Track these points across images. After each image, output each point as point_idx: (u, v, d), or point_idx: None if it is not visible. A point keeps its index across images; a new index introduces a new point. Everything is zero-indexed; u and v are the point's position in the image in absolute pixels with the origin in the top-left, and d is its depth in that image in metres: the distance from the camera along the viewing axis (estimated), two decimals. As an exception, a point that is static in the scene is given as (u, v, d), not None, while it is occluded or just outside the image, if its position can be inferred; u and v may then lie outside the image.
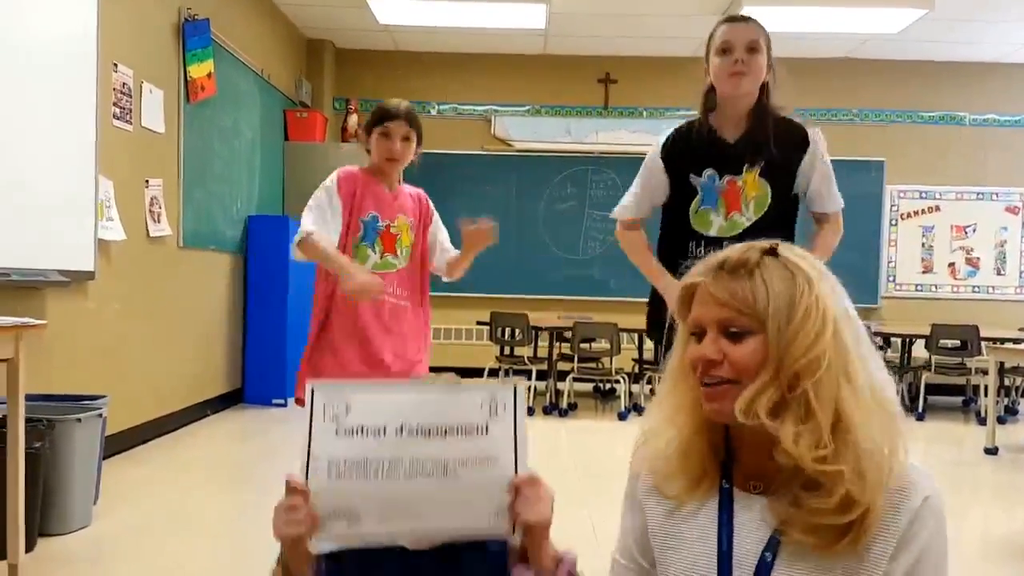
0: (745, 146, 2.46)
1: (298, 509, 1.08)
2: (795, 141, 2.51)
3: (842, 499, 1.05)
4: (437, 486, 1.12)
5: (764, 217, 2.47)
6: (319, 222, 2.77)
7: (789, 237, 2.40)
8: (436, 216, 3.04)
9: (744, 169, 2.46)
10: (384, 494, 1.11)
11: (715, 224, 2.49)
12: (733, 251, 1.17)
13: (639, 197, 2.65)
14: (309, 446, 1.11)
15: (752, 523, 1.15)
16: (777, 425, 1.08)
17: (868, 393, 1.11)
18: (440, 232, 3.03)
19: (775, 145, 2.45)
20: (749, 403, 1.09)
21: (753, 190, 2.47)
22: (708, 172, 2.48)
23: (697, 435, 1.20)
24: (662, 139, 2.60)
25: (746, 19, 2.49)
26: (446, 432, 1.13)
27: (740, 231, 2.45)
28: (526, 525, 1.12)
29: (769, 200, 2.47)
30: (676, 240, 2.55)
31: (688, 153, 2.51)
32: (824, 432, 1.06)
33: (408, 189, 2.99)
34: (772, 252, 1.15)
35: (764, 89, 2.49)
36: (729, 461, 1.21)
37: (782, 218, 2.49)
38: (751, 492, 1.18)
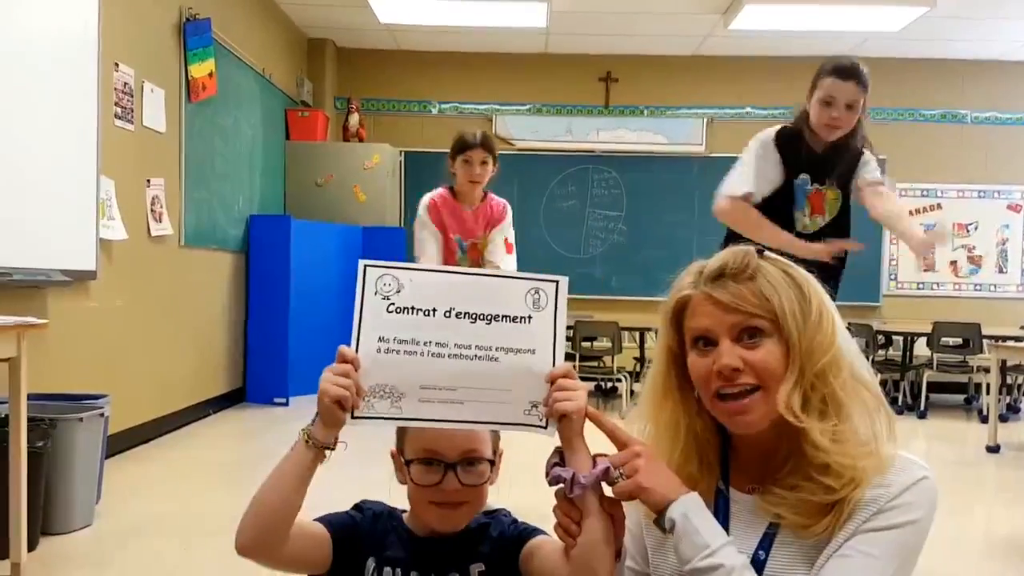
0: (828, 161, 2.90)
1: (348, 375, 1.10)
2: (856, 157, 2.96)
3: (846, 482, 1.06)
4: (479, 370, 1.14)
5: (835, 218, 2.96)
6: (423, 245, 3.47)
7: (848, 232, 2.97)
8: (504, 223, 3.55)
9: (827, 181, 2.92)
10: (428, 374, 1.14)
11: (800, 221, 2.92)
12: (728, 258, 1.15)
13: (756, 175, 2.89)
14: (361, 321, 1.13)
15: (747, 523, 1.15)
16: (811, 423, 1.08)
17: (862, 386, 1.13)
18: (498, 236, 3.54)
19: (848, 166, 2.93)
20: (788, 399, 1.08)
21: (832, 194, 2.95)
22: (804, 177, 2.91)
23: (685, 459, 1.18)
24: (771, 132, 2.93)
25: (854, 75, 2.79)
26: (492, 319, 1.15)
27: (817, 229, 2.92)
28: (563, 415, 1.12)
29: (839, 204, 2.96)
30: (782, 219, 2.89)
31: (793, 153, 2.89)
32: (846, 427, 1.09)
33: (493, 201, 3.56)
34: (759, 252, 1.16)
35: (858, 126, 2.90)
36: (726, 469, 1.20)
37: (844, 217, 2.98)
38: (745, 493, 1.18)
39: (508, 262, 3.56)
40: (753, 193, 2.88)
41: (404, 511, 1.31)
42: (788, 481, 1.11)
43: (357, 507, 1.30)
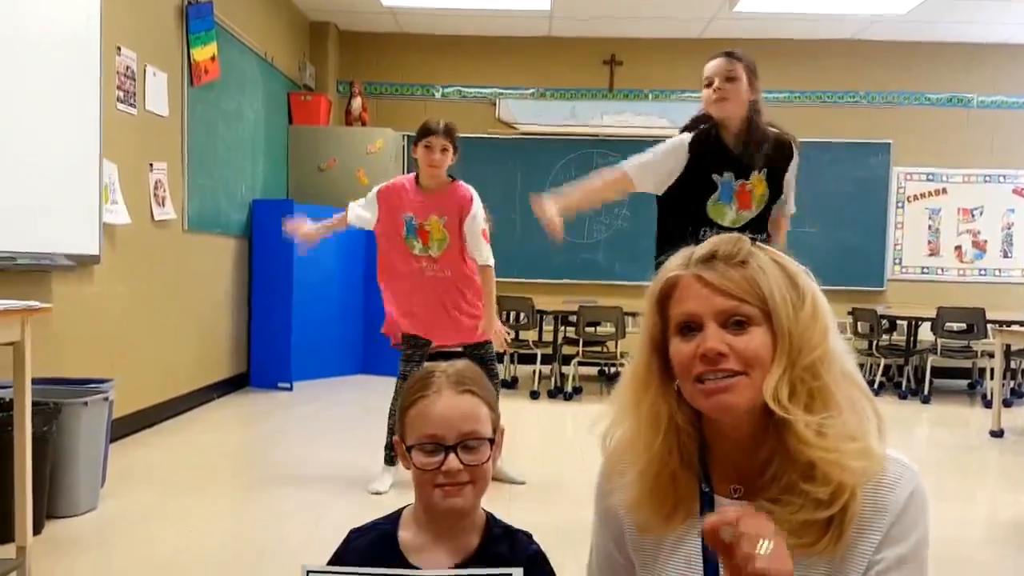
0: (747, 156, 2.96)
1: None
2: (786, 154, 3.02)
3: (834, 488, 1.04)
4: None
5: (762, 211, 3.00)
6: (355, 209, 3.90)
7: (765, 227, 3.02)
8: (472, 213, 3.72)
9: (751, 175, 2.96)
10: None
11: (728, 216, 2.98)
12: (719, 243, 1.13)
13: (648, 168, 3.05)
14: None
15: None
16: (796, 415, 1.05)
17: (852, 385, 1.12)
18: (474, 227, 3.72)
19: (772, 154, 2.97)
20: (775, 389, 1.06)
21: (759, 189, 2.99)
22: (728, 174, 2.96)
23: (668, 451, 1.15)
24: (688, 135, 3.02)
25: (725, 53, 2.96)
26: None
27: (744, 223, 2.96)
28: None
29: (767, 198, 3.00)
30: (686, 225, 2.95)
31: (708, 155, 2.96)
32: (835, 422, 1.06)
33: (460, 189, 3.75)
34: (752, 239, 1.14)
35: (753, 107, 2.95)
36: (705, 466, 1.17)
37: (767, 212, 3.04)
38: (731, 497, 1.14)
39: (485, 250, 3.77)
40: (629, 176, 3.06)
41: (403, 510, 1.29)
42: (773, 491, 1.08)
43: (346, 541, 1.29)
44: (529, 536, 1.30)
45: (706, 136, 2.99)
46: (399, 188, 3.79)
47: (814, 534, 1.05)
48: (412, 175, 3.83)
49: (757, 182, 2.97)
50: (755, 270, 1.10)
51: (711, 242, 1.14)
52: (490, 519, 1.29)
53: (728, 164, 2.96)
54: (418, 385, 1.25)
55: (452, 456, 1.19)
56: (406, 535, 1.26)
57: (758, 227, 2.98)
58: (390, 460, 3.73)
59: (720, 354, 1.07)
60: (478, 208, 3.75)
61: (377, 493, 3.63)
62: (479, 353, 3.80)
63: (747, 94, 2.92)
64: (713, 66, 2.94)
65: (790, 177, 3.04)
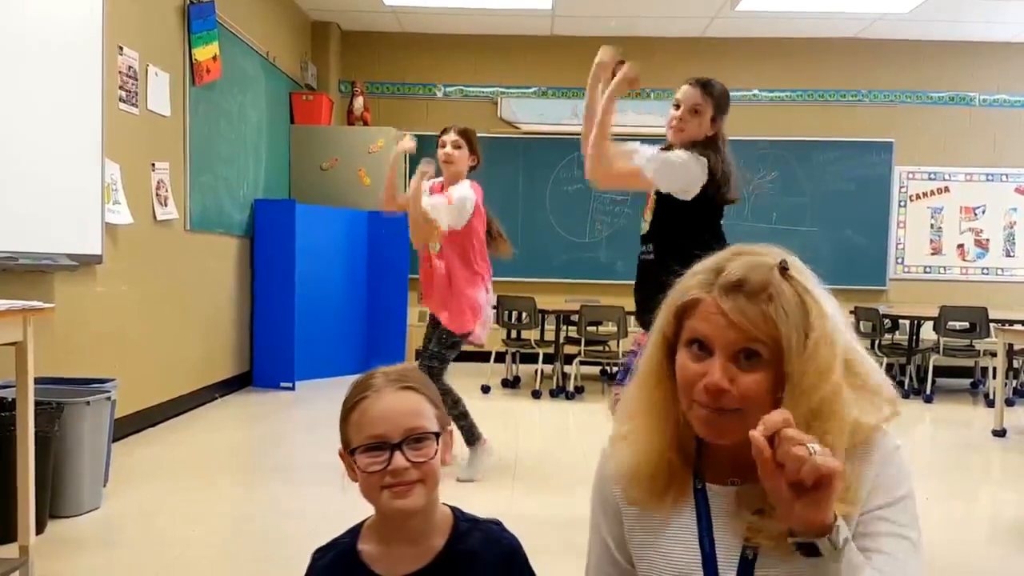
0: None
1: None
2: None
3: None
4: None
5: (655, 218, 3.09)
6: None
7: (674, 233, 2.99)
8: (462, 184, 3.94)
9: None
10: None
11: (647, 221, 3.12)
12: (749, 271, 1.09)
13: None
14: None
15: (731, 517, 1.14)
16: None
17: (866, 385, 1.13)
18: (449, 194, 3.93)
19: None
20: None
21: (654, 197, 3.10)
22: None
23: (670, 449, 1.16)
24: (704, 159, 3.00)
25: (702, 83, 2.99)
26: None
27: (648, 228, 3.10)
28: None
29: (656, 205, 3.09)
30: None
31: None
32: (838, 446, 1.04)
33: (462, 185, 3.94)
34: (783, 270, 1.10)
35: (712, 142, 2.99)
36: (699, 460, 1.18)
37: (664, 218, 3.06)
38: (728, 485, 1.15)
39: (431, 200, 3.92)
40: (640, 166, 3.02)
41: (363, 523, 1.27)
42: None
43: (312, 561, 1.27)
44: (500, 524, 1.27)
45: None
46: (433, 189, 4.04)
47: None
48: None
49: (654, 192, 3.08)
50: (777, 310, 1.07)
51: (743, 267, 1.10)
52: (456, 514, 1.26)
53: None
54: (358, 388, 1.22)
55: (398, 454, 1.15)
56: (367, 547, 1.23)
57: (659, 233, 3.06)
58: None
59: (721, 390, 1.07)
60: (467, 188, 3.92)
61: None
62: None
63: (706, 128, 2.98)
64: (685, 93, 3.01)
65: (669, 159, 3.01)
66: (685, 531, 1.16)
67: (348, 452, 1.21)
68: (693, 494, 1.16)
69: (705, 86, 2.99)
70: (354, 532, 1.27)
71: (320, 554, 1.27)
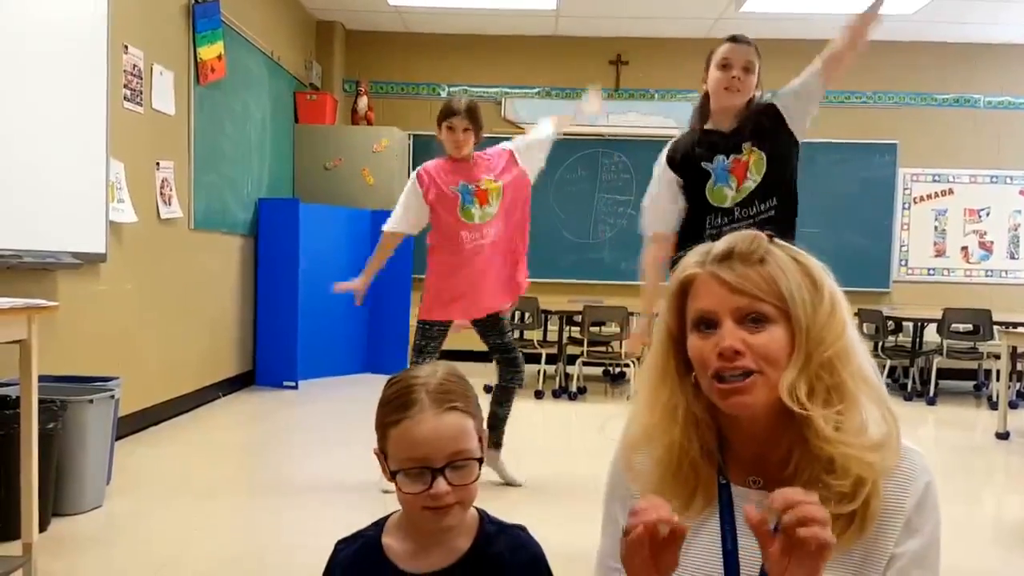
0: (739, 133, 2.89)
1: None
2: (770, 112, 2.92)
3: (854, 481, 1.04)
4: None
5: (767, 174, 2.86)
6: (394, 218, 3.91)
7: (792, 190, 2.91)
8: (515, 144, 3.92)
9: (744, 148, 2.87)
10: None
11: (729, 196, 2.88)
12: (736, 241, 1.13)
13: (662, 210, 2.99)
14: None
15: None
16: (815, 411, 1.05)
17: (869, 384, 1.12)
18: (524, 141, 3.95)
19: (758, 120, 2.89)
20: (793, 386, 1.06)
21: (753, 156, 2.89)
22: (719, 158, 2.88)
23: (687, 440, 1.15)
24: (663, 154, 3.01)
25: (747, 41, 2.89)
26: None
27: (749, 193, 2.86)
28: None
29: (764, 160, 2.87)
30: (696, 218, 2.91)
31: (693, 155, 2.92)
32: (852, 416, 1.07)
33: (487, 153, 3.84)
34: (770, 237, 1.14)
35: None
36: (723, 457, 1.17)
37: (774, 173, 2.87)
38: (751, 487, 1.14)
39: (543, 124, 4.05)
40: (662, 232, 2.99)
41: (389, 516, 1.27)
42: (796, 485, 1.06)
43: (334, 552, 1.26)
44: (525, 530, 1.27)
45: (684, 142, 2.97)
46: (437, 166, 3.78)
47: (839, 528, 1.04)
48: (436, 160, 3.83)
49: (748, 151, 2.88)
50: (773, 268, 1.10)
51: (728, 240, 1.13)
52: (483, 516, 1.25)
53: (716, 148, 2.90)
54: (399, 402, 1.17)
55: (440, 480, 1.13)
56: (392, 541, 1.23)
57: (766, 193, 2.87)
58: None
59: (737, 352, 1.08)
60: (506, 144, 3.90)
61: (387, 492, 3.63)
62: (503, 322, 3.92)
63: (754, 87, 2.90)
64: (736, 51, 2.85)
65: (786, 117, 2.92)
66: (708, 528, 1.15)
67: (390, 470, 1.18)
68: (718, 490, 1.15)
69: (748, 41, 2.89)
70: (379, 525, 1.26)
71: (344, 545, 1.26)
